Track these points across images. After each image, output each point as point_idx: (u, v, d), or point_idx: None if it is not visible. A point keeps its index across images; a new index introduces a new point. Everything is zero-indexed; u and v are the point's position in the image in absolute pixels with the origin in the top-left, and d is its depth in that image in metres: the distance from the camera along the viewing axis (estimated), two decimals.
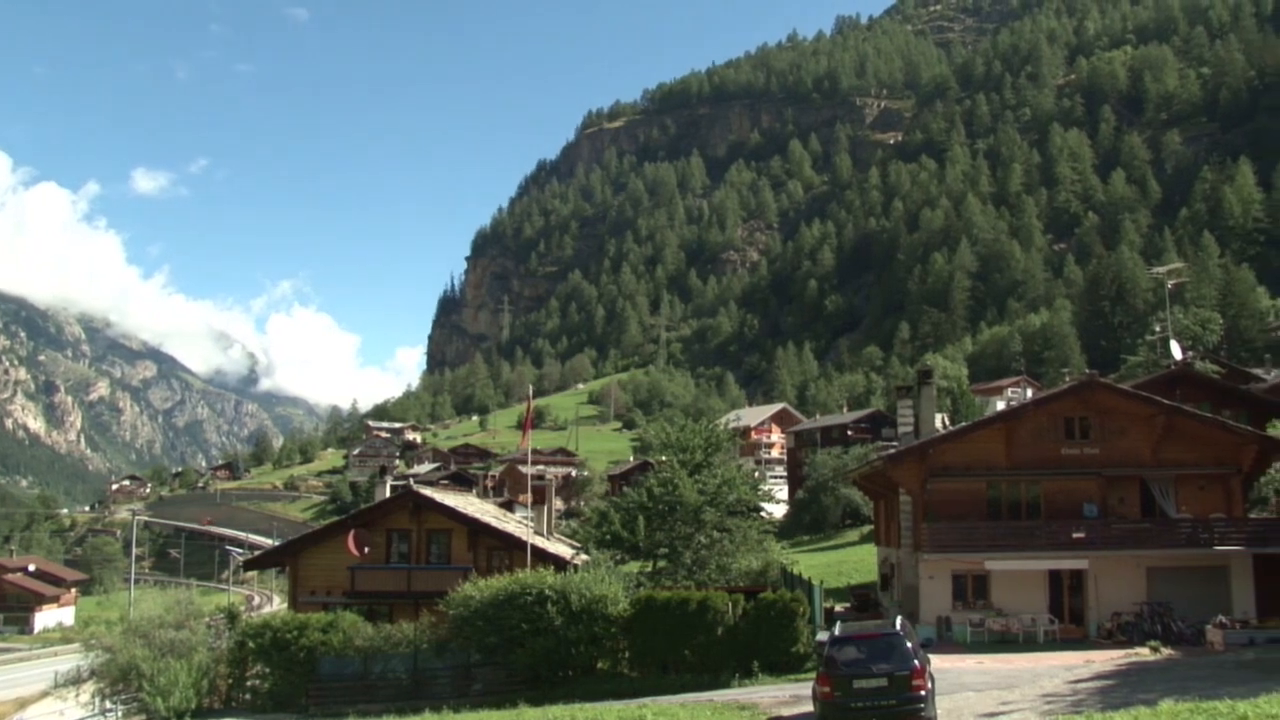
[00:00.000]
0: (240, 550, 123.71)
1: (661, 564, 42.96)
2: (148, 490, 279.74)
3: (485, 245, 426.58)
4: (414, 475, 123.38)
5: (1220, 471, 40.44)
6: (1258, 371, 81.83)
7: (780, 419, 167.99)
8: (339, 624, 34.60)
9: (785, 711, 24.90)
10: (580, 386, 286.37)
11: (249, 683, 35.27)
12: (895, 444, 50.81)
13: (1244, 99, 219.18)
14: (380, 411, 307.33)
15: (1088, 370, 62.99)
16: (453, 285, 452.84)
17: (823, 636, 26.15)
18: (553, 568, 37.74)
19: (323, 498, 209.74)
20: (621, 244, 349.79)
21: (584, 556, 42.71)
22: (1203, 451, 40.33)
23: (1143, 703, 18.22)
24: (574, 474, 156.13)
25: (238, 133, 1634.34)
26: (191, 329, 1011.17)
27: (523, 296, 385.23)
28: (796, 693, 26.93)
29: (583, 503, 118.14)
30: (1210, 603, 37.02)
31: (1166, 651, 32.61)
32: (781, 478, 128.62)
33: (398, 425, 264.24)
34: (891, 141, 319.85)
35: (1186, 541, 38.19)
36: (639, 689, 30.58)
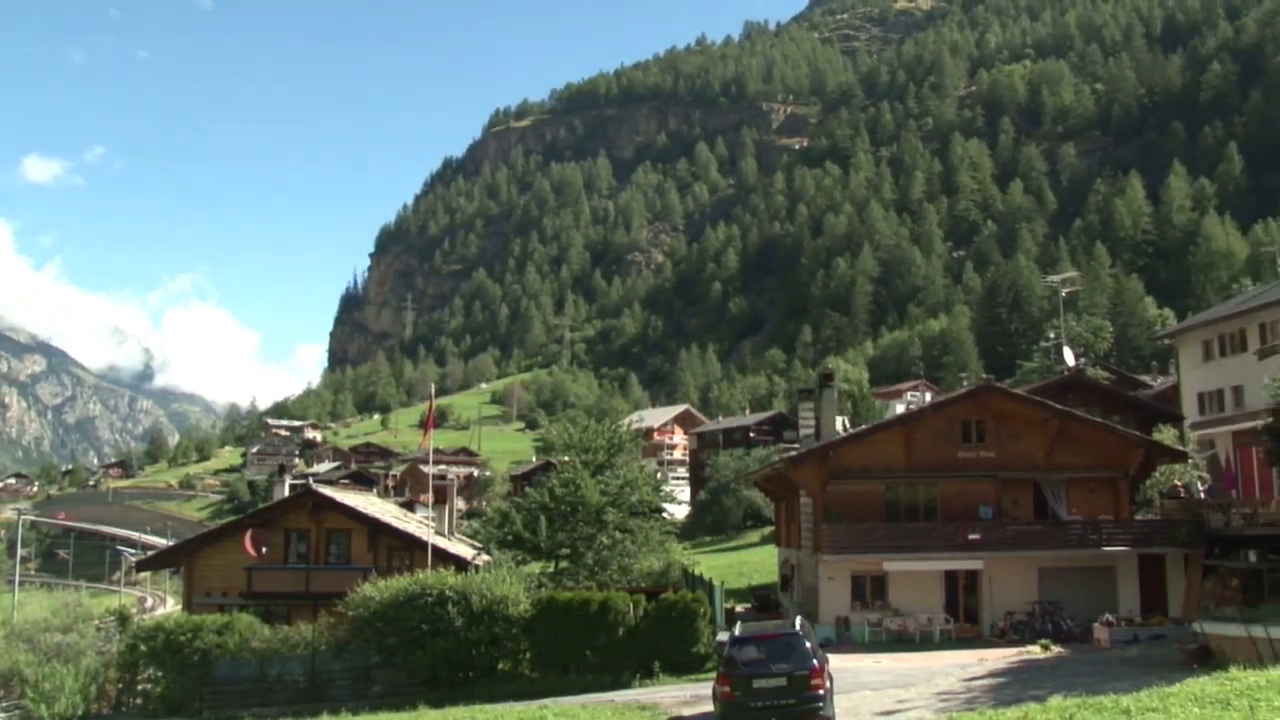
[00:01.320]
0: (133, 550, 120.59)
1: (563, 564, 42.93)
2: (35, 489, 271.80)
3: (389, 242, 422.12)
4: (314, 474, 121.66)
5: (1109, 475, 41.67)
6: (1145, 378, 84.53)
7: (683, 420, 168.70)
8: (235, 626, 33.98)
9: (686, 711, 25.08)
10: (483, 386, 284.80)
11: (140, 687, 34.50)
12: (797, 446, 51.44)
13: (1135, 115, 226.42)
14: (280, 409, 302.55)
15: (985, 375, 64.40)
16: (356, 282, 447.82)
17: (723, 637, 26.41)
18: (454, 568, 37.54)
19: (220, 497, 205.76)
20: (527, 243, 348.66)
21: (485, 557, 42.52)
22: (1093, 455, 41.51)
23: (1033, 699, 18.71)
24: (476, 474, 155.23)
25: (136, 121, 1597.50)
26: (84, 323, 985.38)
27: (426, 295, 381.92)
28: (697, 692, 27.12)
29: (485, 503, 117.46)
30: (1098, 601, 38.16)
31: (1056, 649, 33.48)
32: (684, 479, 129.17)
33: (298, 423, 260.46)
34: (797, 147, 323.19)
35: (1076, 542, 39.25)
36: (540, 690, 30.57)
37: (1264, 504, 39.04)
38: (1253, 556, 37.04)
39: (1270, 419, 32.85)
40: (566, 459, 47.91)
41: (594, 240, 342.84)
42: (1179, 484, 46.54)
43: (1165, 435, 49.67)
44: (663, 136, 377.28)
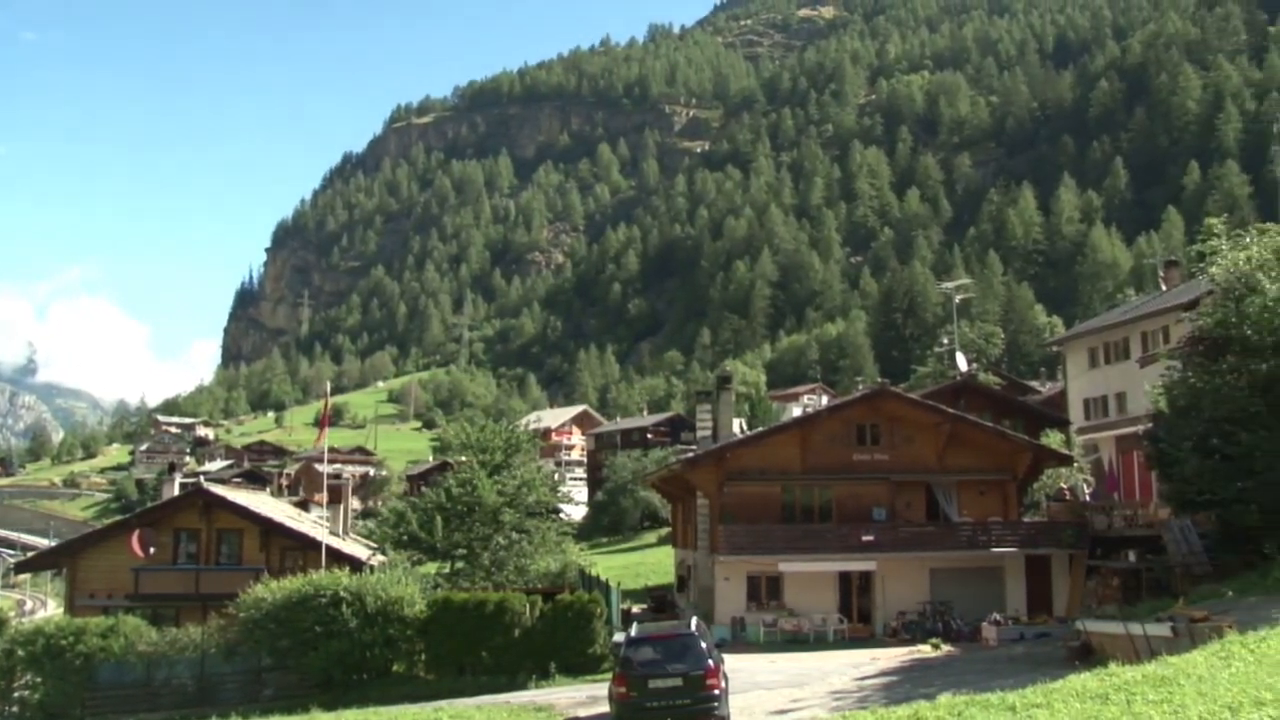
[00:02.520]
0: (12, 551, 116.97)
1: (459, 565, 42.71)
2: None
3: (286, 237, 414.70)
4: (205, 472, 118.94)
5: (998, 477, 42.66)
6: (1034, 384, 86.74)
7: (581, 421, 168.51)
8: (120, 628, 33.13)
9: (582, 712, 25.08)
10: (380, 384, 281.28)
11: (17, 694, 33.37)
12: (694, 448, 51.71)
13: (1028, 127, 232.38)
14: (171, 406, 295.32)
15: (880, 379, 65.45)
16: (251, 278, 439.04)
17: (619, 637, 26.41)
18: (349, 569, 37.02)
19: (106, 495, 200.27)
20: (426, 241, 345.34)
21: (381, 557, 42.14)
22: (983, 458, 42.45)
23: (923, 697, 19.02)
24: (372, 473, 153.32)
25: (22, 105, 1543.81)
26: None
27: (324, 291, 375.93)
28: (593, 693, 27.14)
29: (380, 503, 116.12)
30: (987, 601, 39.05)
31: (946, 648, 34.05)
32: (581, 479, 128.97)
33: (189, 421, 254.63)
34: (699, 150, 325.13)
35: (967, 544, 40.12)
36: (435, 692, 30.34)
37: (1144, 506, 40.34)
38: (1132, 556, 38.22)
39: (1150, 424, 33.89)
40: (464, 459, 47.72)
41: (494, 239, 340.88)
42: (1065, 487, 47.86)
43: (1052, 439, 50.93)
44: (565, 136, 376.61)
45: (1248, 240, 30.55)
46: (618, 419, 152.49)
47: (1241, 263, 28.98)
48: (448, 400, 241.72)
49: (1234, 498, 27.79)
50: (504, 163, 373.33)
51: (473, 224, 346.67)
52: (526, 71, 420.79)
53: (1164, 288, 58.47)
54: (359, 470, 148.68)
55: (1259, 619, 20.71)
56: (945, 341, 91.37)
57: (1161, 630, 22.01)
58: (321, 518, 51.93)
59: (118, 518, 63.34)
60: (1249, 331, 27.58)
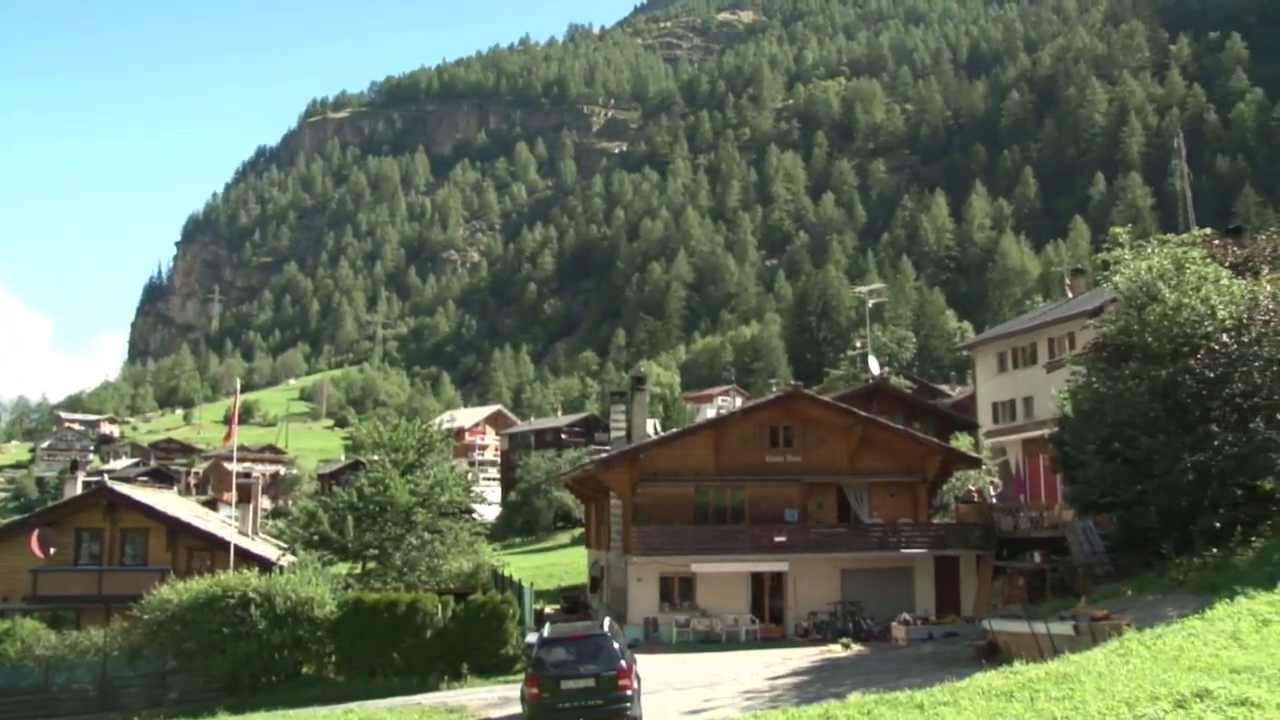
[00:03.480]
0: None
1: (371, 565, 42.31)
2: None
3: (197, 231, 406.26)
4: (110, 471, 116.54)
5: (908, 479, 43.29)
6: (944, 388, 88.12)
7: (495, 421, 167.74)
8: (16, 632, 32.31)
9: (494, 713, 25.01)
10: (292, 382, 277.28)
11: None
12: (608, 448, 51.71)
13: (941, 135, 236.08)
14: (74, 402, 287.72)
15: (793, 382, 66.11)
16: (160, 272, 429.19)
17: (532, 638, 26.39)
18: (258, 569, 36.51)
19: (4, 495, 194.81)
20: (341, 237, 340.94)
21: (291, 557, 41.59)
22: (894, 461, 43.05)
23: (834, 696, 19.25)
24: (282, 472, 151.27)
25: None
26: None
27: (235, 287, 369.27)
28: (505, 694, 27.07)
29: (291, 502, 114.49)
30: (896, 601, 39.64)
31: (857, 648, 34.46)
32: (495, 480, 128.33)
33: (94, 417, 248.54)
34: (616, 151, 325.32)
35: (877, 545, 40.66)
36: (345, 693, 30.04)
37: (1049, 508, 41.21)
38: (1037, 557, 38.98)
39: (1056, 428, 34.60)
40: (376, 458, 47.25)
41: (409, 237, 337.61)
42: (973, 489, 48.67)
43: (962, 442, 51.75)
44: (482, 135, 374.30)
45: (1149, 250, 31.34)
46: (532, 419, 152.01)
47: (1143, 272, 29.70)
48: (361, 399, 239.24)
49: (1134, 500, 28.47)
50: (420, 160, 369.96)
51: (388, 221, 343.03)
52: (445, 69, 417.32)
53: (1070, 295, 59.79)
54: (269, 469, 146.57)
55: (1156, 617, 21.30)
56: (858, 345, 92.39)
57: (1064, 629, 22.52)
58: (230, 517, 51.14)
59: (16, 517, 61.78)
60: (1150, 339, 28.27)
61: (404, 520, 42.11)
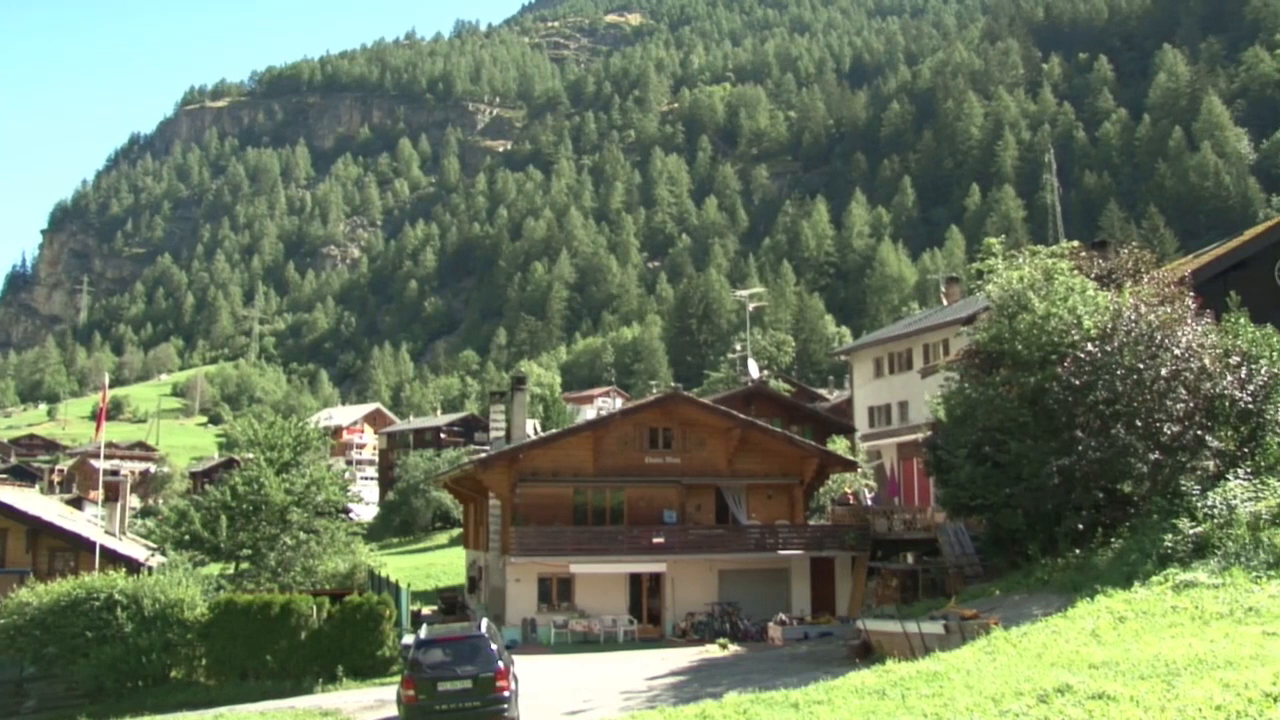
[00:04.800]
0: None
1: (244, 566, 41.49)
2: None
3: (65, 220, 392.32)
4: None
5: (786, 482, 43.93)
6: (823, 392, 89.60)
7: (373, 419, 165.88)
8: None
9: (369, 716, 24.73)
10: (164, 378, 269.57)
11: None
12: (487, 448, 51.48)
13: (823, 143, 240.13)
14: None
15: (673, 384, 66.55)
16: (24, 261, 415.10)
17: (409, 640, 26.14)
18: (125, 570, 35.45)
19: None
20: (218, 230, 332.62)
21: (160, 558, 40.54)
22: (771, 463, 43.62)
23: (711, 696, 19.42)
24: (153, 470, 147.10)
25: None
26: None
27: (105, 278, 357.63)
28: (381, 696, 26.80)
29: (161, 501, 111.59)
30: (773, 601, 40.18)
31: (734, 648, 34.79)
32: (372, 479, 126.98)
33: None
34: (501, 149, 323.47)
35: (755, 546, 41.14)
36: (216, 698, 29.40)
37: (921, 510, 42.13)
38: (910, 558, 39.89)
39: (929, 432, 35.35)
40: (251, 456, 46.40)
41: (289, 231, 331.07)
42: (849, 491, 49.54)
43: (838, 446, 52.57)
44: (365, 129, 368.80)
45: (1021, 261, 32.19)
46: (411, 418, 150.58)
47: (1015, 282, 30.50)
48: (236, 395, 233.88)
49: (1003, 502, 29.21)
50: (301, 152, 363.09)
51: (267, 214, 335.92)
52: (328, 60, 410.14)
53: (945, 303, 61.25)
54: (139, 467, 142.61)
55: (1022, 615, 21.95)
56: (738, 348, 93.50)
57: (935, 628, 23.04)
58: (97, 517, 49.70)
59: None
60: (1020, 347, 29.05)
61: (279, 520, 41.37)
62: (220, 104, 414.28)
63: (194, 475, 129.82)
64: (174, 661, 31.69)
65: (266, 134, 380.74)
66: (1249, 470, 25.49)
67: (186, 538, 40.87)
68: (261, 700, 28.44)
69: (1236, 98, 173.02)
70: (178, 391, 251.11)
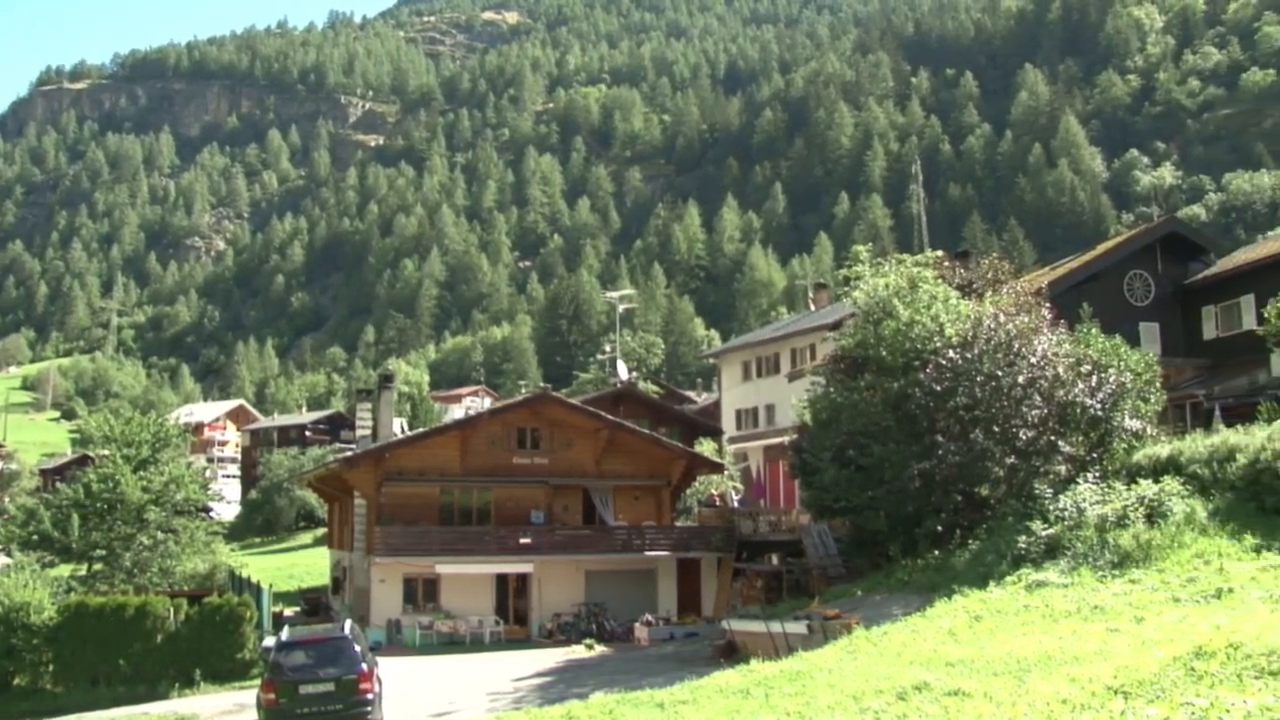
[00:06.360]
0: None
1: (98, 567, 40.26)
2: None
3: None
4: None
5: (654, 483, 44.20)
6: (691, 394, 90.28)
7: (237, 416, 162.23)
8: None
9: None
10: (13, 370, 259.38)
11: None
12: (354, 447, 50.80)
13: (696, 148, 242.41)
14: None
15: (542, 384, 66.43)
16: None
17: (270, 642, 25.64)
18: None
19: None
20: (74, 217, 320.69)
21: (5, 559, 39.05)
22: (639, 464, 43.86)
23: (577, 696, 19.47)
24: (0, 467, 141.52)
25: None
26: None
27: None
28: (241, 700, 26.26)
29: (8, 499, 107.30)
30: (640, 602, 40.37)
31: (600, 649, 34.91)
32: (235, 477, 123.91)
33: None
34: (373, 144, 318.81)
35: (622, 547, 41.32)
36: (63, 705, 28.40)
37: (787, 512, 42.76)
38: (775, 559, 40.41)
39: (795, 436, 35.87)
40: (106, 453, 45.10)
41: (150, 220, 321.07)
42: (716, 493, 49.99)
43: (706, 448, 53.01)
44: (233, 118, 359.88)
45: (887, 269, 32.90)
46: (276, 415, 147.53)
47: (880, 289, 31.17)
48: (91, 389, 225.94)
49: (865, 505, 29.82)
50: (165, 140, 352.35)
51: (128, 203, 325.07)
52: (195, 46, 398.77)
53: (813, 308, 62.31)
54: None
55: (883, 615, 22.46)
56: (608, 349, 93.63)
57: (798, 628, 23.41)
58: None
59: None
60: (884, 353, 29.69)
61: (135, 519, 40.23)
62: (79, 86, 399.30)
63: (44, 473, 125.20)
64: (18, 668, 30.48)
65: (129, 119, 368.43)
66: (1097, 474, 26.48)
67: (35, 538, 39.54)
68: (113, 707, 27.70)
69: (1092, 118, 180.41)
70: (28, 385, 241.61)
